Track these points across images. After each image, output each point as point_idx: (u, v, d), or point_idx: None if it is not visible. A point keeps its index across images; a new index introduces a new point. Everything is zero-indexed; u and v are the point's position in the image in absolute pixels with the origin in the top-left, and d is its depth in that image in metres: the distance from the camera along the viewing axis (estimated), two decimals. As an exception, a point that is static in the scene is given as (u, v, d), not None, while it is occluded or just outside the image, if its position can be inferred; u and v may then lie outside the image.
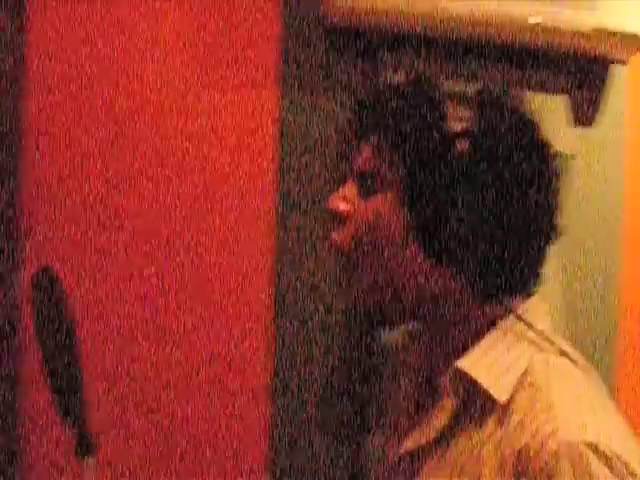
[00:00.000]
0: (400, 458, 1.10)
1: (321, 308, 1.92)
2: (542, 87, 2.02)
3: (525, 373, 0.99)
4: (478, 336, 1.02)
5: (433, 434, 1.03)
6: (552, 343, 1.02)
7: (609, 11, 1.93)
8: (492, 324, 1.02)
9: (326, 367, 1.92)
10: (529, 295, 1.04)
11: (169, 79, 1.85)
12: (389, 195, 1.03)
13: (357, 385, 1.93)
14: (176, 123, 1.85)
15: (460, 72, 1.95)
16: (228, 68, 1.88)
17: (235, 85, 1.88)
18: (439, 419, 1.02)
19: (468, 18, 1.85)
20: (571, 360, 1.02)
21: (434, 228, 0.98)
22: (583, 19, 1.91)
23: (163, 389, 1.84)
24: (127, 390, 1.82)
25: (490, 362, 1.00)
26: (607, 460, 0.88)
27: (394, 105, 1.03)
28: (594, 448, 0.88)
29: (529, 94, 1.98)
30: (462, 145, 0.97)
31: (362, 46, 1.94)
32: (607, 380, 1.04)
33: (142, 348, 1.83)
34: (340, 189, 1.08)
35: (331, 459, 1.92)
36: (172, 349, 1.84)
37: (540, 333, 1.02)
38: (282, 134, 1.90)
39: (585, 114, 2.11)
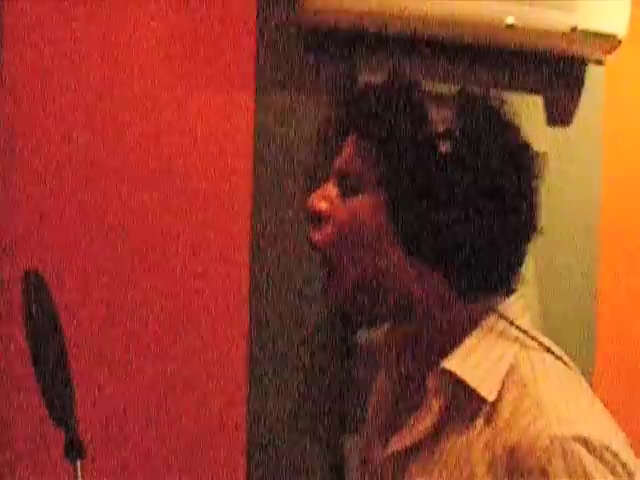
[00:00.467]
0: (385, 460, 1.10)
1: (300, 307, 1.92)
2: (519, 87, 2.02)
3: (511, 370, 0.99)
4: (461, 335, 1.01)
5: (420, 435, 1.02)
6: (535, 340, 1.02)
7: (586, 12, 1.94)
8: (474, 323, 1.02)
9: (305, 367, 1.92)
10: (509, 293, 1.05)
11: (145, 81, 1.84)
12: (369, 195, 1.02)
13: (336, 384, 1.93)
14: (152, 125, 1.85)
15: (437, 72, 1.95)
16: (203, 69, 1.88)
17: (210, 86, 1.88)
18: (426, 420, 1.01)
19: (445, 19, 1.85)
20: (555, 356, 1.02)
21: (415, 229, 0.98)
22: (560, 19, 1.92)
23: (144, 389, 1.84)
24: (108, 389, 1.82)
25: (476, 361, 0.99)
26: (598, 452, 0.89)
27: (375, 105, 1.03)
28: (584, 442, 0.89)
29: (506, 93, 1.98)
30: (443, 146, 0.97)
31: (338, 47, 1.94)
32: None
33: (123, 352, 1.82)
34: (320, 188, 1.08)
35: (310, 459, 1.92)
36: (152, 353, 1.84)
37: (523, 330, 1.02)
38: (257, 135, 1.90)
39: (562, 113, 2.12)
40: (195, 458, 1.86)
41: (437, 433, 1.01)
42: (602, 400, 1.01)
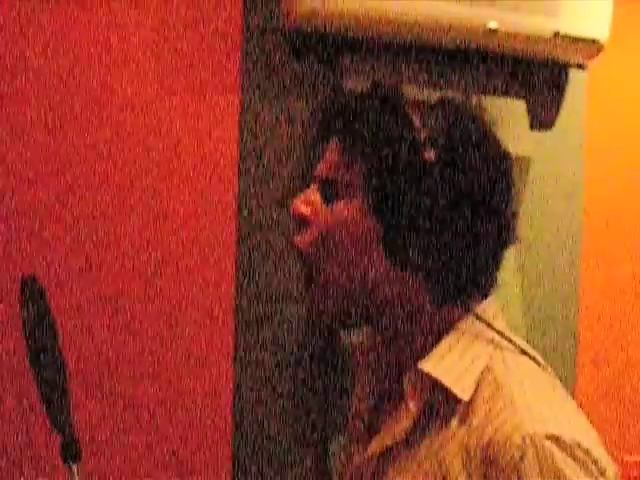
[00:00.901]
0: (365, 461, 1.11)
1: (285, 310, 1.92)
2: (501, 91, 2.04)
3: (486, 371, 1.00)
4: (438, 337, 1.03)
5: (397, 436, 1.04)
6: (510, 341, 1.04)
7: (568, 17, 1.95)
8: (451, 325, 1.03)
9: (290, 370, 1.92)
10: (486, 295, 1.06)
11: (131, 86, 1.84)
12: (352, 201, 1.03)
13: (320, 387, 1.93)
14: (138, 129, 1.85)
15: (419, 76, 1.96)
16: (188, 74, 1.88)
17: (195, 90, 1.88)
18: (403, 421, 1.03)
19: (428, 23, 1.86)
20: (529, 357, 1.04)
21: (397, 234, 0.99)
22: (543, 24, 1.94)
23: (134, 387, 1.84)
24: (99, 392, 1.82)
25: (451, 362, 1.01)
26: (569, 449, 0.91)
27: (358, 112, 1.04)
28: (556, 439, 0.91)
29: (488, 98, 2.00)
30: (425, 153, 0.99)
31: (323, 51, 1.95)
32: (566, 382, 1.06)
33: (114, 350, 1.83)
34: (303, 193, 1.09)
35: (297, 462, 1.92)
36: (138, 355, 1.84)
37: (498, 332, 1.03)
38: (242, 138, 1.90)
39: (544, 118, 2.13)
40: (181, 464, 1.87)
41: (414, 434, 1.03)
42: (584, 399, 1.03)
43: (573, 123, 2.16)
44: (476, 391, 0.99)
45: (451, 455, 0.98)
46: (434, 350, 1.02)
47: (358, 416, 1.19)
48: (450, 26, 1.88)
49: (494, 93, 2.02)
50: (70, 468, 1.07)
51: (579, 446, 0.91)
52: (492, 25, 1.88)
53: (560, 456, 0.90)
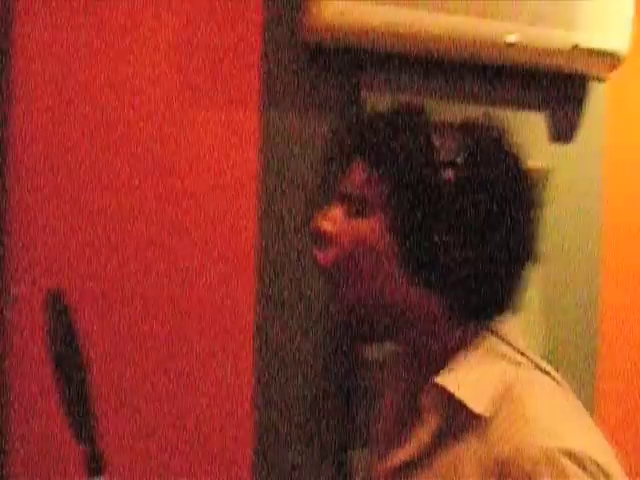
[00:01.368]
0: (384, 475, 1.12)
1: (307, 320, 1.93)
2: (521, 104, 2.04)
3: (503, 387, 1.01)
4: (455, 353, 1.04)
5: (415, 450, 1.05)
6: (526, 357, 1.05)
7: (587, 29, 1.95)
8: (470, 341, 1.04)
9: (310, 384, 1.93)
10: (504, 311, 1.07)
11: (151, 99, 1.86)
12: (375, 219, 1.04)
13: (342, 401, 1.94)
14: (158, 142, 1.86)
15: (439, 90, 1.97)
16: (209, 86, 1.90)
17: (216, 103, 1.90)
18: (422, 436, 1.04)
19: (447, 37, 1.87)
20: (544, 372, 1.05)
21: (419, 253, 1.01)
22: (561, 37, 1.94)
23: (154, 399, 1.85)
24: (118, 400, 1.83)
25: (469, 378, 1.02)
26: (582, 464, 0.91)
27: (382, 131, 1.05)
28: (569, 453, 0.92)
29: (508, 111, 2.00)
30: (447, 174, 1.00)
31: (343, 65, 1.96)
32: (587, 401, 1.06)
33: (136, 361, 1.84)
34: (325, 210, 1.10)
35: (317, 474, 1.93)
36: (158, 367, 1.85)
37: (515, 348, 1.04)
38: (262, 152, 1.91)
39: (564, 130, 2.13)
40: (201, 472, 1.87)
41: (433, 449, 1.03)
42: (603, 415, 1.03)
43: (593, 135, 2.16)
44: (493, 406, 1.00)
45: (468, 471, 0.99)
46: (450, 365, 1.03)
47: (381, 430, 1.20)
48: (469, 40, 1.88)
49: (514, 106, 2.03)
50: (95, 480, 1.09)
51: (592, 461, 0.92)
52: (511, 39, 1.89)
53: (573, 470, 0.91)
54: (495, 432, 0.98)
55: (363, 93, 1.92)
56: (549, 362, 1.08)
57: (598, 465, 0.92)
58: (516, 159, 1.06)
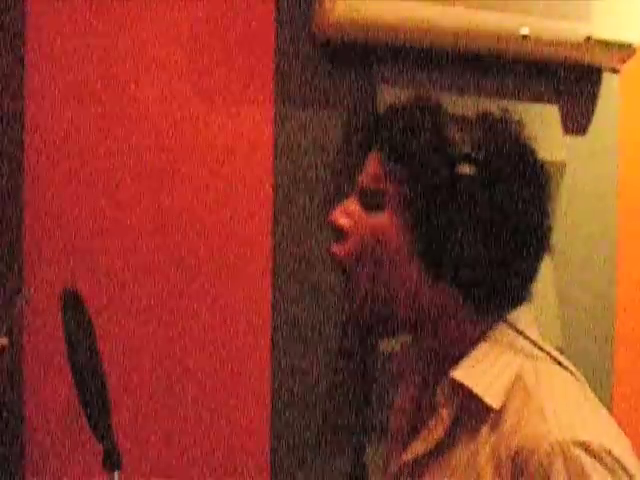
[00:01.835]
0: (400, 468, 1.12)
1: (322, 317, 1.93)
2: (535, 96, 2.04)
3: (517, 379, 1.01)
4: (471, 346, 1.04)
5: (431, 444, 1.05)
6: (542, 350, 1.05)
7: (600, 21, 1.95)
8: (484, 334, 1.04)
9: (327, 378, 1.93)
10: (520, 304, 1.07)
11: (165, 96, 1.87)
12: (391, 212, 1.05)
13: (357, 395, 1.94)
14: (173, 139, 1.87)
15: (453, 83, 1.97)
16: (223, 83, 1.90)
17: (230, 100, 1.90)
18: (436, 429, 1.04)
19: (461, 31, 1.87)
20: (561, 365, 1.05)
21: (436, 247, 1.01)
22: (574, 29, 1.94)
23: (169, 403, 1.86)
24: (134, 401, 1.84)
25: (483, 370, 1.02)
26: (598, 456, 0.91)
27: (400, 124, 1.05)
28: (584, 446, 0.91)
29: (522, 104, 2.00)
30: (465, 168, 1.00)
31: (356, 60, 1.96)
32: (603, 396, 1.06)
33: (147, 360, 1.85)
34: (342, 203, 1.10)
35: (333, 470, 1.93)
36: (177, 367, 1.87)
37: (531, 340, 1.04)
38: (277, 148, 1.92)
39: (578, 122, 2.13)
40: (219, 474, 1.88)
41: (448, 441, 1.04)
42: (619, 409, 1.03)
43: (606, 127, 2.15)
44: (507, 399, 1.00)
45: (483, 462, 0.99)
46: (465, 359, 1.04)
47: (396, 423, 1.20)
48: (482, 33, 1.88)
49: (528, 98, 2.03)
50: (111, 476, 1.10)
51: (608, 452, 0.92)
52: (524, 31, 1.89)
53: (588, 462, 0.91)
54: (509, 424, 0.98)
55: (377, 88, 1.92)
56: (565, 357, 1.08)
57: (615, 457, 0.92)
58: (533, 153, 1.06)
